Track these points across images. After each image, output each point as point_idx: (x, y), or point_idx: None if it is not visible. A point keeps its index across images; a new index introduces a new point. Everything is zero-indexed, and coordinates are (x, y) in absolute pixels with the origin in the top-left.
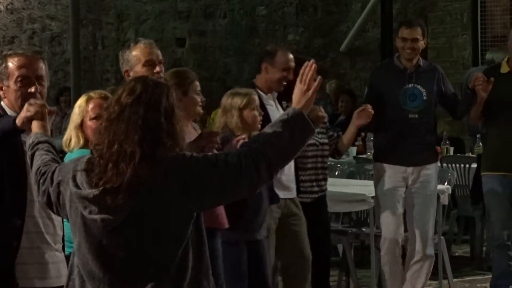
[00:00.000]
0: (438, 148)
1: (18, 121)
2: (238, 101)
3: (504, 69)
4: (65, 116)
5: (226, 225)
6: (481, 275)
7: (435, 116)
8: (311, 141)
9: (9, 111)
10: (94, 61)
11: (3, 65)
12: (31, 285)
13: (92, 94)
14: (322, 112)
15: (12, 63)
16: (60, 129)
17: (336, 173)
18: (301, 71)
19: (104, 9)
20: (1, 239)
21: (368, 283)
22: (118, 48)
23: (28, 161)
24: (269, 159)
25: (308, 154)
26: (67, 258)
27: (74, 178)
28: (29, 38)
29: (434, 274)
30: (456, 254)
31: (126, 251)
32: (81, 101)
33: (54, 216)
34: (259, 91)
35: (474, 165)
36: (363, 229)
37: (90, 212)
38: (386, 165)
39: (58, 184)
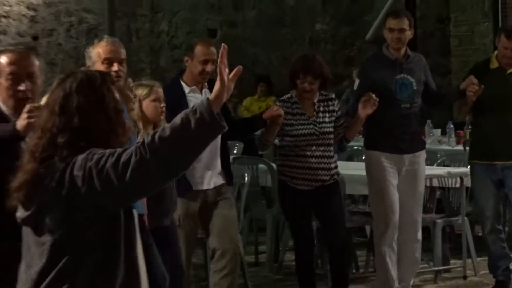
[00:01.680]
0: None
1: (20, 128)
2: (139, 91)
3: (493, 64)
4: None
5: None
6: None
7: (421, 105)
8: (307, 130)
9: (4, 108)
10: (129, 52)
11: None
12: None
13: None
14: (277, 110)
15: (3, 60)
16: None
17: (356, 159)
18: (219, 63)
19: (138, 1)
20: None
21: None
22: (152, 39)
23: None
24: (160, 155)
25: (301, 143)
26: None
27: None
28: (67, 30)
29: (459, 253)
30: (480, 234)
31: (40, 245)
32: None
33: None
34: (183, 83)
35: None
36: None
37: (17, 210)
38: (378, 153)
39: None
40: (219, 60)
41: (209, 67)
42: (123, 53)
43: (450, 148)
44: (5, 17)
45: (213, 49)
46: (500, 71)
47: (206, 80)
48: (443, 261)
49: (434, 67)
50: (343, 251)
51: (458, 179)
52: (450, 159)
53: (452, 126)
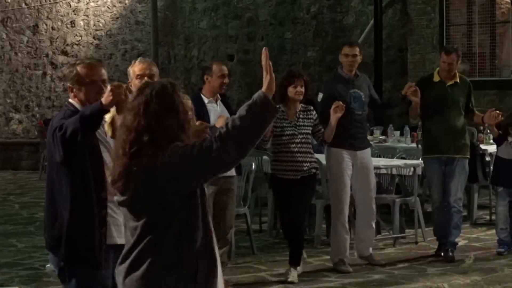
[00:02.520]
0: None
1: (106, 102)
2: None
3: (436, 78)
4: None
5: None
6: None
7: (368, 113)
8: (289, 131)
9: (79, 107)
10: (169, 71)
11: (74, 72)
12: (112, 242)
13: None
14: (202, 125)
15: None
16: None
17: None
18: (262, 60)
19: (176, 34)
20: (93, 211)
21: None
22: (185, 62)
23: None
24: (236, 139)
25: (284, 141)
26: None
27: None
28: (122, 55)
29: (412, 225)
30: (428, 210)
31: (135, 220)
32: None
33: None
34: (203, 96)
35: None
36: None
37: (115, 194)
38: (337, 149)
39: None
40: (264, 60)
41: (226, 79)
42: (153, 70)
43: (406, 145)
44: (76, 44)
45: (225, 67)
46: (441, 83)
47: (224, 90)
48: (400, 230)
49: (395, 86)
50: (296, 232)
51: (412, 168)
52: (406, 154)
53: (408, 129)
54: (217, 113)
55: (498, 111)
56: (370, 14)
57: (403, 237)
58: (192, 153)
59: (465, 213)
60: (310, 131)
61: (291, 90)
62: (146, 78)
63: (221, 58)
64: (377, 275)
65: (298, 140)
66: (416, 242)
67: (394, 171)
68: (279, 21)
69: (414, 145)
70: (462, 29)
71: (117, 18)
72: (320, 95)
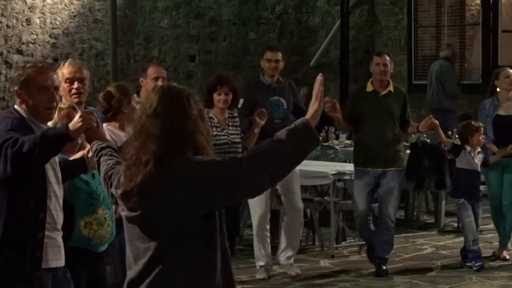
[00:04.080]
0: None
1: (72, 127)
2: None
3: (369, 88)
4: None
5: None
6: (412, 232)
7: (291, 121)
8: (223, 140)
9: (25, 115)
10: (128, 72)
11: (24, 75)
12: (48, 266)
13: (62, 105)
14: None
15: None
16: None
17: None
18: (315, 87)
19: (136, 33)
20: (29, 232)
21: (328, 238)
22: (145, 62)
23: (96, 166)
24: (272, 165)
25: (220, 151)
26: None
27: (119, 179)
28: (80, 54)
29: None
30: (398, 217)
31: (145, 241)
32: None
33: (59, 207)
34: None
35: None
36: (325, 197)
37: (123, 209)
38: None
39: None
40: (317, 87)
41: (160, 83)
42: (84, 73)
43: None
44: (32, 43)
45: (162, 70)
46: (374, 94)
47: None
48: None
49: None
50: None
51: None
52: None
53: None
54: None
55: (434, 120)
56: (337, 14)
57: None
58: (224, 171)
59: (432, 220)
60: (240, 140)
61: (215, 97)
62: (76, 82)
63: (182, 58)
64: (342, 283)
65: (232, 150)
66: None
67: None
68: (243, 21)
69: None
70: (431, 31)
71: (75, 16)
72: (241, 101)
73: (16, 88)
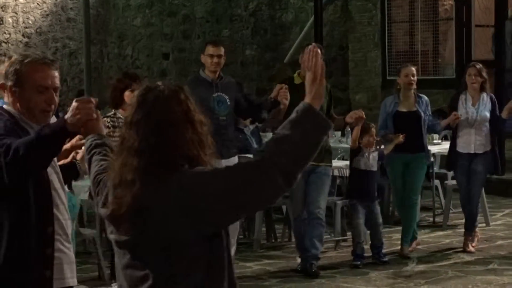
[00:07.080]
0: None
1: (70, 120)
2: None
3: (297, 80)
4: None
5: None
6: (387, 227)
7: (235, 117)
8: None
9: (18, 116)
10: (102, 70)
11: (20, 69)
12: (63, 285)
13: None
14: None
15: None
16: None
17: None
18: (304, 58)
19: (109, 31)
20: (36, 249)
21: None
22: (119, 61)
23: (86, 165)
24: (283, 167)
25: None
26: None
27: (107, 196)
28: (53, 53)
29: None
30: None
31: (141, 268)
32: None
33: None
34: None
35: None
36: None
37: (111, 232)
38: None
39: (106, 196)
40: (310, 59)
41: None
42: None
43: (347, 146)
44: (5, 42)
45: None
46: (302, 86)
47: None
48: (341, 233)
49: (336, 84)
50: None
51: None
52: (347, 154)
53: (349, 129)
54: None
55: (360, 112)
56: (310, 11)
57: (345, 240)
58: (226, 181)
59: None
60: None
61: (127, 95)
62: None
63: (156, 56)
64: (318, 279)
65: None
66: None
67: (336, 173)
68: (216, 18)
69: None
70: (404, 27)
71: (48, 15)
72: None
73: (9, 84)
